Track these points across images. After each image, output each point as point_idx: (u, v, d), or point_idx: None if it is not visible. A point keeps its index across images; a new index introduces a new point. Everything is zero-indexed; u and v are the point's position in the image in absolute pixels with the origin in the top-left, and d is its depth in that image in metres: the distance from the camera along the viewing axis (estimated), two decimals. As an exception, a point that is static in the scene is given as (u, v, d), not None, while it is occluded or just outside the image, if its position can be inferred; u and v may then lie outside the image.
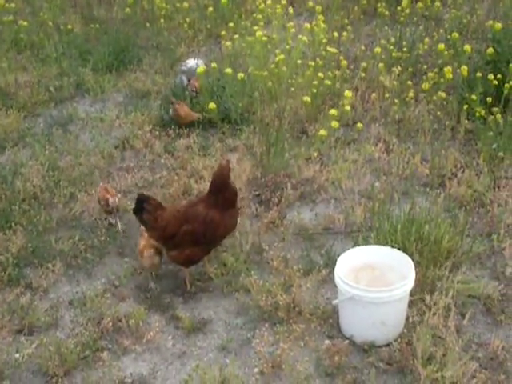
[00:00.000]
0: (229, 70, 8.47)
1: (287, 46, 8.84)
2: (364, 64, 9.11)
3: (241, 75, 8.39)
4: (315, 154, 7.73)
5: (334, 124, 7.82)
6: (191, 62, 9.27)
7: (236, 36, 9.07)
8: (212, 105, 8.27)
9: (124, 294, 6.33)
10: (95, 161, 8.18)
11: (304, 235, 6.94)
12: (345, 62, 8.94)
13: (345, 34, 9.60)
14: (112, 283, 6.45)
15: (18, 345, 5.86)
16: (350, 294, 5.55)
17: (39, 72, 10.28)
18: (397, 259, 5.88)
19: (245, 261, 6.56)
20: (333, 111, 7.97)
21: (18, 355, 5.72)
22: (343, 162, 7.83)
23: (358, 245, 6.41)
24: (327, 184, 7.58)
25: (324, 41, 9.02)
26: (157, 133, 8.62)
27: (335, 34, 9.38)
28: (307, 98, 8.22)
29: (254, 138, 8.21)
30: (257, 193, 7.56)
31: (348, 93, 8.04)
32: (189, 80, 9.00)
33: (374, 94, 8.78)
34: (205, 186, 7.42)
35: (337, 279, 5.69)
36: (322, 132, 7.70)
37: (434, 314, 5.74)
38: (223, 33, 10.15)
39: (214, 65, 8.65)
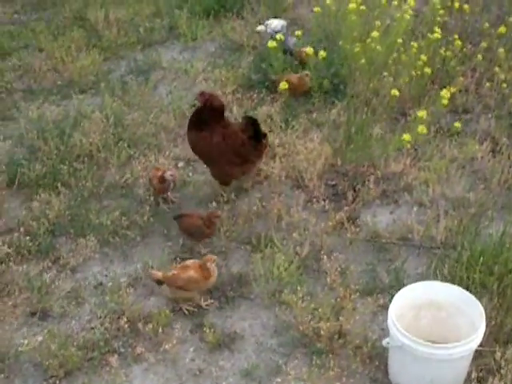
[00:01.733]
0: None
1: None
2: (484, 44, 7.69)
3: (322, 54, 7.26)
4: (408, 145, 6.56)
5: (444, 103, 6.57)
6: (275, 23, 8.22)
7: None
8: (310, 50, 7.30)
9: (154, 288, 5.56)
10: (165, 120, 7.36)
11: (375, 243, 5.91)
12: (459, 42, 7.55)
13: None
14: (147, 270, 5.69)
15: (26, 330, 5.28)
16: (400, 343, 4.54)
17: (133, 10, 9.47)
18: (468, 303, 4.80)
19: (298, 267, 5.63)
20: (444, 92, 6.72)
21: (20, 348, 5.11)
22: (439, 158, 6.66)
23: (433, 266, 5.49)
24: (415, 183, 6.46)
25: (441, 11, 7.62)
26: (239, 95, 7.67)
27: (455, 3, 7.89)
28: (406, 78, 7.02)
29: (344, 115, 7.12)
30: (332, 182, 6.54)
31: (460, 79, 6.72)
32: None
33: (487, 84, 7.43)
34: (275, 167, 6.52)
35: (389, 321, 4.68)
36: (421, 113, 6.45)
37: (503, 378, 4.65)
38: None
39: (298, 33, 7.52)
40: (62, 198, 6.41)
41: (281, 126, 7.12)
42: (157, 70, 8.35)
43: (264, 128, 6.46)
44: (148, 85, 7.98)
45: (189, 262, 5.40)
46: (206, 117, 6.13)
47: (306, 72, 7.40)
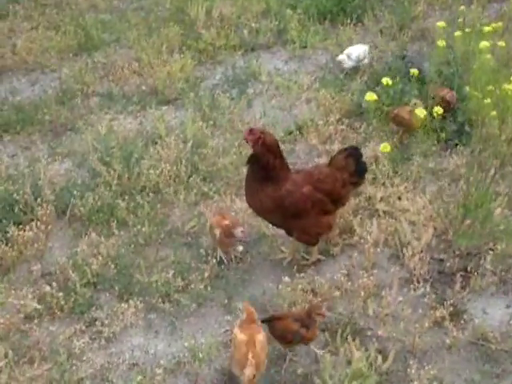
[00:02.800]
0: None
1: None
2: None
3: (437, 110, 5.85)
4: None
5: None
6: (357, 51, 6.92)
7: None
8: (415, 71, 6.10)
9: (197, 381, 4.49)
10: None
11: (481, 349, 4.60)
12: None
13: None
14: (193, 353, 4.63)
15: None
16: None
17: (241, 6, 8.29)
18: None
19: (380, 374, 4.41)
20: None
21: None
22: None
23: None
24: (548, 274, 5.05)
25: None
26: (343, 126, 6.42)
27: None
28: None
29: (466, 166, 5.75)
30: (439, 257, 5.22)
31: None
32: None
33: None
34: (372, 230, 5.32)
35: None
36: None
37: None
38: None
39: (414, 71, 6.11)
40: (113, 241, 5.44)
41: (388, 174, 5.82)
42: (255, 82, 7.21)
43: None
44: (241, 101, 6.84)
45: None
46: (268, 163, 4.93)
47: (415, 101, 6.05)
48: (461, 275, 5.05)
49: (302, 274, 5.18)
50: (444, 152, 6.17)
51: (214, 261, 5.24)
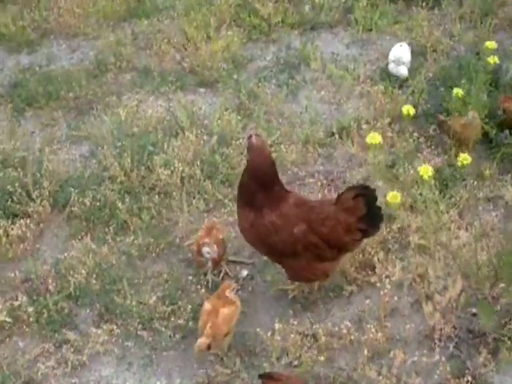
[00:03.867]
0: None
1: None
2: None
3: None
4: None
5: None
6: (400, 51, 6.00)
7: None
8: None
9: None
10: (285, 151, 5.46)
11: None
12: None
13: None
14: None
15: None
16: None
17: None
18: None
19: None
20: None
21: None
22: None
23: None
24: None
25: None
26: (391, 133, 5.55)
27: None
28: None
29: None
30: (472, 311, 4.38)
31: None
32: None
33: None
34: (394, 271, 4.53)
35: None
36: None
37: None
38: None
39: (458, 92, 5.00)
40: (107, 248, 4.86)
41: (432, 198, 4.92)
42: (306, 68, 6.34)
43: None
44: (285, 90, 6.05)
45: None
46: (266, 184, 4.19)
47: (473, 114, 5.11)
48: (494, 338, 4.20)
49: (309, 314, 4.48)
50: (506, 174, 5.21)
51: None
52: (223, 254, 4.62)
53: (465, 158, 4.15)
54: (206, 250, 4.49)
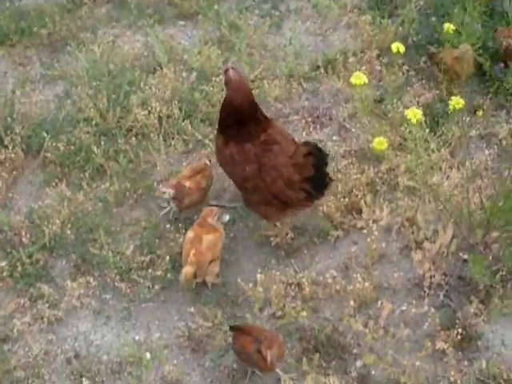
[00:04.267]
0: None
1: None
2: None
3: None
4: None
5: None
6: None
7: None
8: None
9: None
10: (268, 87, 5.19)
11: None
12: None
13: None
14: (141, 353, 3.92)
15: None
16: None
17: None
18: None
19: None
20: None
21: None
22: None
23: None
24: None
25: None
26: (380, 66, 5.27)
27: None
28: None
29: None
30: (464, 256, 4.19)
31: None
32: None
33: None
34: (381, 215, 4.34)
35: None
36: None
37: None
38: None
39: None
40: (83, 195, 4.66)
41: (422, 136, 4.66)
42: (293, -3, 6.00)
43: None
44: (270, 19, 5.73)
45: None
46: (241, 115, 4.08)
47: (467, 47, 4.83)
48: (485, 286, 4.03)
49: (293, 261, 4.31)
50: (501, 109, 4.96)
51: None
52: (197, 202, 4.41)
53: (457, 102, 3.92)
54: (162, 189, 4.35)
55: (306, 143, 4.07)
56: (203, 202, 4.45)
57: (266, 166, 4.01)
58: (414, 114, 3.81)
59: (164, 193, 4.35)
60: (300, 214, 4.34)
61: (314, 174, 3.92)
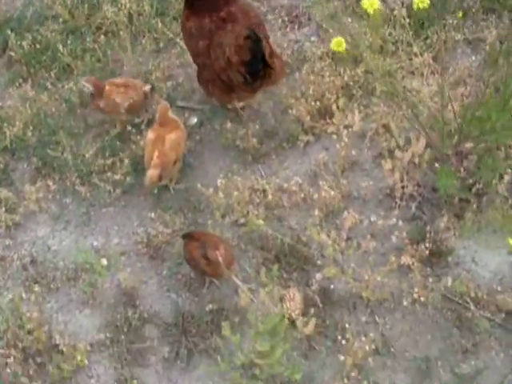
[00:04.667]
0: None
1: None
2: None
3: None
4: None
5: None
6: None
7: None
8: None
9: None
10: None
11: (457, 310, 3.61)
12: None
13: None
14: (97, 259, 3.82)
15: None
16: None
17: None
18: None
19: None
20: None
21: None
22: None
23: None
24: None
25: None
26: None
27: None
28: None
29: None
30: (437, 165, 3.98)
31: None
32: None
33: None
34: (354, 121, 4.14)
35: None
36: None
37: None
38: None
39: None
40: (47, 95, 4.48)
41: (405, 38, 4.37)
42: None
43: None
44: None
45: None
46: None
47: None
48: (459, 199, 3.83)
49: (260, 166, 4.12)
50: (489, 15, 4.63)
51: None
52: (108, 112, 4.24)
53: (421, 1, 3.44)
54: (83, 82, 4.16)
55: (250, 27, 3.79)
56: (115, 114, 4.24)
57: (214, 43, 3.84)
58: (371, 3, 3.44)
59: (83, 86, 4.15)
60: (245, 102, 4.24)
61: (250, 58, 3.70)
